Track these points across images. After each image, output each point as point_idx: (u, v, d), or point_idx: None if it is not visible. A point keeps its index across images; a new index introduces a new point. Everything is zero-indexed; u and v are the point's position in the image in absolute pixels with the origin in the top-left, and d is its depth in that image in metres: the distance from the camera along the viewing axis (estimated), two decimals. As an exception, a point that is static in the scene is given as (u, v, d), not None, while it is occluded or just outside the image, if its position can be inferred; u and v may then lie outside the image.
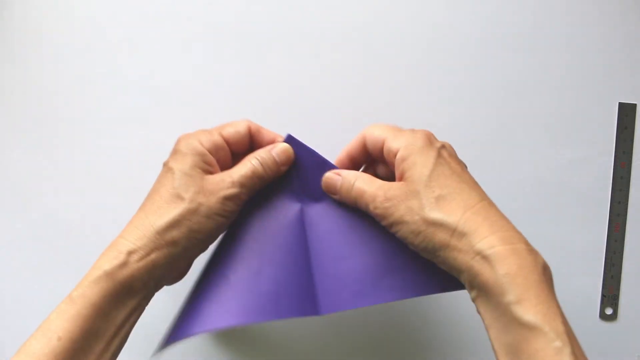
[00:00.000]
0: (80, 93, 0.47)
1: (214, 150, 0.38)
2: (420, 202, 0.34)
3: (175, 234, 0.36)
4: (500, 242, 0.31)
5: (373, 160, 0.40)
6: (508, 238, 0.32)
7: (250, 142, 0.40)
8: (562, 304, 0.48)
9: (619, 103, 0.47)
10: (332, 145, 0.47)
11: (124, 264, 0.34)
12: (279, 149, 0.39)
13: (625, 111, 0.47)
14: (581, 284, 0.48)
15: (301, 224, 0.39)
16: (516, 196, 0.47)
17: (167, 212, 0.36)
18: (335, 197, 0.39)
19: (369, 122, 0.47)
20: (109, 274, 0.34)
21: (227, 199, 0.36)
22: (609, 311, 0.48)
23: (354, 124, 0.47)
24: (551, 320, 0.30)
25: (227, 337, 0.48)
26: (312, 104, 0.47)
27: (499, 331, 0.31)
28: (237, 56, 0.47)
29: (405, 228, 0.34)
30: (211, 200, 0.36)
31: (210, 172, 0.37)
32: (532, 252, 0.32)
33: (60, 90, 0.47)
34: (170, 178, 0.36)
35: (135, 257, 0.35)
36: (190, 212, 0.36)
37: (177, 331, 0.38)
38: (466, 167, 0.37)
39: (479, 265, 0.31)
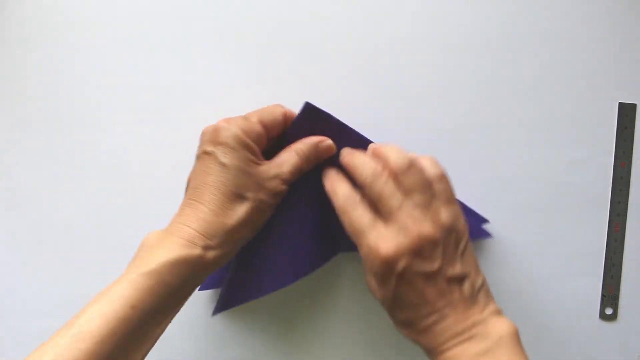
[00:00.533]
0: (80, 93, 0.47)
1: (257, 140, 0.39)
2: (389, 312, 0.38)
3: (243, 232, 0.38)
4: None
5: None
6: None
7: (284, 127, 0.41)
8: (562, 304, 0.48)
9: (619, 103, 0.47)
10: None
11: (201, 257, 0.36)
12: (324, 147, 0.41)
13: (625, 111, 0.47)
14: (581, 284, 0.48)
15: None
16: (516, 196, 0.47)
17: (234, 213, 0.37)
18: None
19: (369, 122, 0.47)
20: (187, 262, 0.35)
21: (279, 194, 0.39)
22: (609, 311, 0.48)
23: (354, 124, 0.47)
24: None
25: (228, 337, 0.48)
26: (313, 103, 0.47)
27: None
28: (239, 55, 0.47)
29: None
30: (268, 196, 0.38)
31: (257, 163, 0.38)
32: (469, 347, 0.35)
33: (60, 90, 0.47)
34: (226, 174, 0.37)
35: (211, 253, 0.36)
36: (254, 211, 0.38)
37: (238, 295, 0.44)
38: (443, 259, 0.36)
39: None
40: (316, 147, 0.41)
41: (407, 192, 0.36)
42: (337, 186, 0.39)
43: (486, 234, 0.47)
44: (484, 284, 0.37)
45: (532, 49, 0.47)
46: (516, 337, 0.35)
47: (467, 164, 0.47)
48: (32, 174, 0.47)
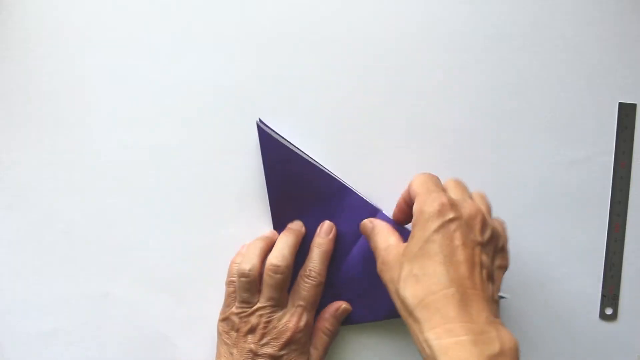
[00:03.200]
0: (80, 93, 0.47)
1: None
2: (399, 275, 0.36)
3: None
4: (446, 334, 0.33)
5: None
6: (455, 330, 0.33)
7: None
8: (562, 304, 0.48)
9: (619, 103, 0.47)
10: (337, 144, 0.47)
11: None
12: (342, 311, 0.46)
13: (625, 111, 0.47)
14: (581, 284, 0.48)
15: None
16: (516, 196, 0.47)
17: None
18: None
19: (370, 122, 0.47)
20: None
21: None
22: (609, 311, 0.48)
23: (355, 124, 0.47)
24: None
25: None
26: (314, 103, 0.47)
27: None
28: (239, 56, 0.47)
29: (389, 290, 0.38)
30: None
31: None
32: (483, 342, 0.33)
33: (60, 90, 0.47)
34: None
35: None
36: None
37: None
38: (487, 240, 0.37)
39: (425, 352, 0.34)
40: (335, 317, 0.46)
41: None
42: (369, 221, 0.43)
43: None
44: (498, 300, 0.37)
45: (532, 49, 0.47)
46: (518, 352, 0.34)
47: (467, 164, 0.47)
48: (32, 174, 0.47)
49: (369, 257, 0.45)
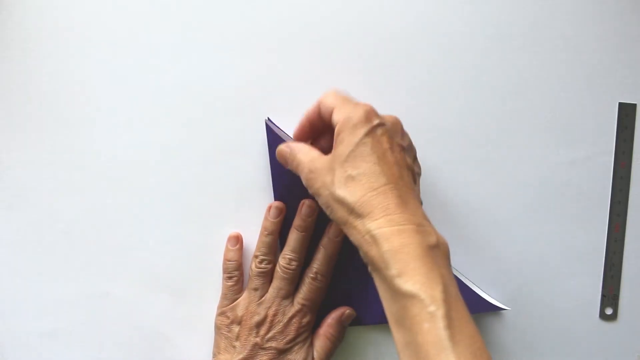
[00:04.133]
0: (80, 93, 0.47)
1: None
2: (332, 178, 0.37)
3: None
4: (388, 223, 0.34)
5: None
6: (397, 220, 0.34)
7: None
8: (562, 304, 0.48)
9: (619, 103, 0.47)
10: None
11: None
12: (346, 316, 0.46)
13: (625, 111, 0.47)
14: (581, 284, 0.48)
15: None
16: (516, 196, 0.47)
17: None
18: (287, 167, 0.42)
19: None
20: None
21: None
22: (609, 311, 0.48)
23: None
24: (428, 288, 0.32)
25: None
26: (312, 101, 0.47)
27: (387, 301, 0.34)
28: (241, 56, 0.47)
29: (320, 200, 0.38)
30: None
31: None
32: (422, 232, 0.34)
33: (60, 90, 0.47)
34: None
35: None
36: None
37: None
38: (407, 146, 0.39)
39: (368, 244, 0.35)
40: (340, 322, 0.46)
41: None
42: (285, 146, 0.42)
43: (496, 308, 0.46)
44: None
45: (532, 49, 0.47)
46: (449, 250, 0.36)
47: (467, 164, 0.47)
48: (32, 174, 0.47)
49: None
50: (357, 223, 0.35)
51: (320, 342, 0.45)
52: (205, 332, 0.47)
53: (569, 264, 0.48)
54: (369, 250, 0.35)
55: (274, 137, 0.46)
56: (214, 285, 0.47)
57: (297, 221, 0.45)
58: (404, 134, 0.40)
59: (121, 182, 0.47)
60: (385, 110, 0.47)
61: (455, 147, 0.47)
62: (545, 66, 0.47)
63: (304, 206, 0.45)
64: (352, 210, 0.36)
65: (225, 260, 0.46)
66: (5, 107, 0.47)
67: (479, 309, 0.45)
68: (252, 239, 0.46)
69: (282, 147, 0.42)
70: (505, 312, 0.47)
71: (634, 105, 0.47)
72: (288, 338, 0.43)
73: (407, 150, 0.39)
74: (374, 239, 0.34)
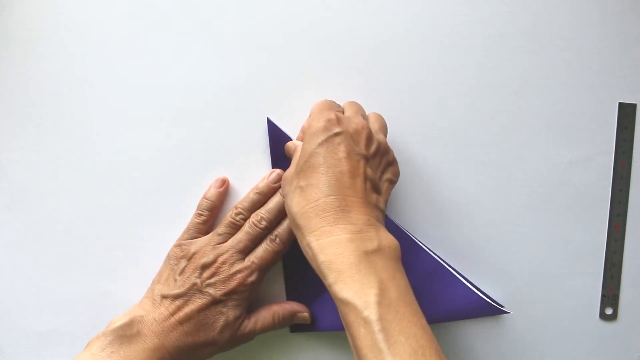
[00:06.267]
0: (80, 93, 0.47)
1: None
2: (289, 188, 0.39)
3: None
4: (323, 235, 0.36)
5: None
6: (332, 231, 0.36)
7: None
8: (562, 304, 0.48)
9: (619, 103, 0.47)
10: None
11: None
12: (300, 317, 0.46)
13: (625, 111, 0.47)
14: (581, 284, 0.48)
15: None
16: (516, 196, 0.47)
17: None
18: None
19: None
20: None
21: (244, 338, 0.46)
22: (609, 311, 0.48)
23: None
24: (362, 295, 0.33)
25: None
26: (313, 102, 0.47)
27: (338, 309, 0.35)
28: (238, 56, 0.47)
29: (285, 205, 0.39)
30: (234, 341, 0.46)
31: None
32: (360, 239, 0.35)
33: (60, 91, 0.47)
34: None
35: None
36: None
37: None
38: (372, 153, 0.39)
39: (308, 255, 0.36)
40: (293, 316, 0.46)
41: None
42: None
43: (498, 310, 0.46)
44: (384, 210, 0.40)
45: (532, 49, 0.47)
46: (398, 251, 0.37)
47: (467, 164, 0.47)
48: (32, 174, 0.47)
49: None
50: (299, 234, 0.37)
51: (264, 314, 0.45)
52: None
53: (569, 264, 0.48)
54: (310, 261, 0.36)
55: (276, 136, 0.46)
56: (214, 285, 0.47)
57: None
58: (370, 141, 0.39)
59: (121, 182, 0.47)
60: (385, 110, 0.47)
61: (455, 147, 0.47)
62: (545, 66, 0.47)
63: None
64: (294, 222, 0.37)
65: (203, 197, 0.46)
66: (5, 107, 0.47)
67: (480, 312, 0.45)
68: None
69: (290, 144, 0.45)
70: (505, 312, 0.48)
71: (634, 105, 0.47)
72: (227, 289, 0.42)
73: (372, 158, 0.39)
74: (312, 251, 0.36)
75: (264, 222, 0.44)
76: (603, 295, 0.48)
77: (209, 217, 0.46)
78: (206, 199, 0.46)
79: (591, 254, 0.48)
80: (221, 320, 0.42)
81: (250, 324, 0.44)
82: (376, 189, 0.39)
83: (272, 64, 0.47)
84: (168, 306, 0.42)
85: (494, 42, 0.47)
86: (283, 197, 0.40)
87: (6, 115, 0.47)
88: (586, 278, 0.48)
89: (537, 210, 0.47)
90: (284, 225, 0.44)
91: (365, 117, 0.42)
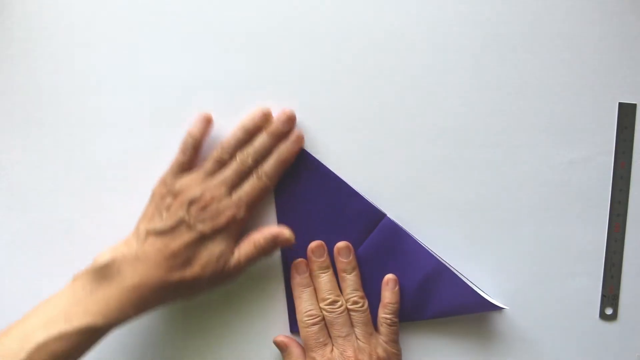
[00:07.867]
0: (80, 93, 0.47)
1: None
2: None
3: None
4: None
5: None
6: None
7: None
8: (562, 304, 0.48)
9: (619, 103, 0.47)
10: (338, 146, 0.47)
11: None
12: (282, 240, 0.45)
13: (625, 111, 0.47)
14: (581, 284, 0.48)
15: None
16: (516, 196, 0.47)
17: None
18: None
19: (370, 123, 0.47)
20: None
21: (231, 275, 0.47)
22: (609, 311, 0.48)
23: (355, 124, 0.47)
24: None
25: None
26: (314, 105, 0.47)
27: None
28: (239, 56, 0.47)
29: None
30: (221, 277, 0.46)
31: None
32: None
33: (60, 90, 0.47)
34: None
35: None
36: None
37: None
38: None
39: None
40: (274, 240, 0.44)
41: None
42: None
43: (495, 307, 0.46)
44: None
45: (532, 49, 0.47)
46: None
47: (467, 164, 0.47)
48: (32, 174, 0.47)
49: (374, 258, 0.46)
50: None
51: (245, 245, 0.44)
52: (205, 332, 0.47)
53: (569, 264, 0.48)
54: None
55: None
56: (214, 285, 0.47)
57: (281, 146, 0.45)
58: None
59: (121, 181, 0.47)
60: (385, 110, 0.47)
61: (455, 147, 0.47)
62: (545, 66, 0.47)
63: (296, 136, 0.45)
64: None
65: (188, 134, 0.45)
66: (5, 107, 0.47)
67: (478, 308, 0.45)
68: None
69: (279, 341, 0.47)
70: (505, 311, 0.47)
71: (634, 105, 0.47)
72: (216, 225, 0.42)
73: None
74: None
75: (250, 159, 0.44)
76: (603, 295, 0.48)
77: (193, 155, 0.45)
78: (190, 136, 0.45)
79: (591, 254, 0.48)
80: (206, 256, 0.42)
81: (234, 259, 0.43)
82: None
83: (272, 65, 0.47)
84: (153, 242, 0.42)
85: (493, 42, 0.47)
86: None
87: (6, 115, 0.47)
88: (586, 278, 0.48)
89: (537, 210, 0.47)
90: (270, 162, 0.44)
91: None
